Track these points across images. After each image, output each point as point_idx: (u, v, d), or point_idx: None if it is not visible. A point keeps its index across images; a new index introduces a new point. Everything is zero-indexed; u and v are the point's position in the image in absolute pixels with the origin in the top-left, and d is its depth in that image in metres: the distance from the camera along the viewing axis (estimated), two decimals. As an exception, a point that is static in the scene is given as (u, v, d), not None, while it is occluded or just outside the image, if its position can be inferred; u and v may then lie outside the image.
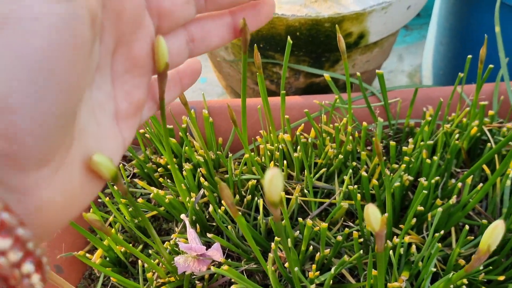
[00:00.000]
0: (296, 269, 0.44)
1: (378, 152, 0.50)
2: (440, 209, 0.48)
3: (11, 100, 0.18)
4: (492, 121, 0.64)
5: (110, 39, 0.26)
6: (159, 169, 0.68)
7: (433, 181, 0.56)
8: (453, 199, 0.50)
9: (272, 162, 0.66)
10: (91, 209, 0.60)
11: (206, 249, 0.53)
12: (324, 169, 0.63)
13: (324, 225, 0.51)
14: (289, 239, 0.54)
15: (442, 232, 0.53)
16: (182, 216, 0.57)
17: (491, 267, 0.54)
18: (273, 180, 0.28)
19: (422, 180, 0.49)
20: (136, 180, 0.67)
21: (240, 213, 0.62)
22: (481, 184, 0.50)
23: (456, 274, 0.36)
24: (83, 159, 0.24)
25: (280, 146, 0.67)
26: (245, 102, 0.52)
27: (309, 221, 0.52)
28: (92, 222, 0.41)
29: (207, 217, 0.63)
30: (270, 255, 0.45)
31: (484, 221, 0.54)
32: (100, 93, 0.26)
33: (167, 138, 0.48)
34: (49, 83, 0.19)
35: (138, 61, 0.28)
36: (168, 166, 0.67)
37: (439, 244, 0.49)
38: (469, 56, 0.58)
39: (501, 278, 0.52)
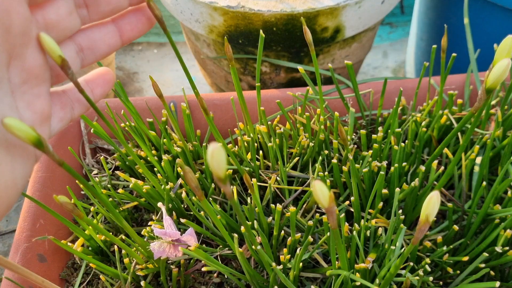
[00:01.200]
0: (258, 247, 0.46)
1: (343, 137, 0.52)
2: (397, 190, 0.50)
3: None
4: (461, 110, 0.66)
5: (3, 53, 0.27)
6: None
7: (401, 165, 0.58)
8: (416, 182, 0.52)
9: (249, 153, 0.68)
10: (72, 199, 0.62)
11: (181, 235, 0.55)
12: (297, 158, 0.65)
13: (293, 209, 0.53)
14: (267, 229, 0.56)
15: (406, 215, 0.55)
16: (159, 204, 0.59)
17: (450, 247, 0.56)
18: (215, 155, 0.29)
19: (384, 163, 0.51)
20: (118, 172, 0.69)
21: (216, 203, 0.64)
22: (442, 168, 0.53)
23: (407, 248, 0.38)
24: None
25: (257, 138, 0.69)
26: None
27: (279, 206, 0.54)
28: (64, 205, 0.43)
29: (185, 206, 0.65)
30: (235, 235, 0.47)
31: (450, 204, 0.56)
32: (3, 105, 0.27)
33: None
34: None
35: (33, 71, 0.29)
36: (149, 158, 0.69)
37: (403, 225, 0.51)
38: (434, 46, 0.60)
39: (465, 258, 0.54)
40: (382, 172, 0.51)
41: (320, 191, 0.33)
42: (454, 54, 0.58)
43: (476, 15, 0.85)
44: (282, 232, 0.58)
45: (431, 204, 0.32)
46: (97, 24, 0.34)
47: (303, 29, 0.54)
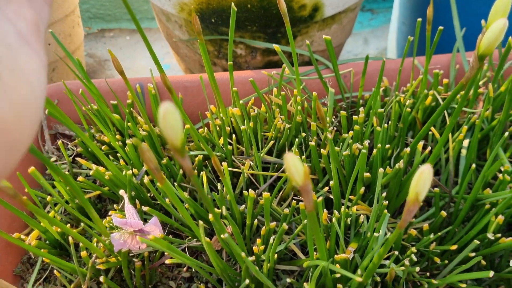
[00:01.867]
0: (226, 235, 0.41)
1: (321, 116, 0.47)
2: (381, 170, 0.46)
3: None
4: (447, 91, 0.62)
5: None
6: (103, 147, 0.65)
7: (385, 147, 0.54)
8: (400, 164, 0.48)
9: (222, 138, 0.63)
10: (26, 189, 0.56)
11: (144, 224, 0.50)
12: (273, 141, 0.60)
13: (266, 194, 0.48)
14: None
15: (389, 202, 0.50)
16: (121, 191, 0.54)
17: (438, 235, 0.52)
18: (168, 117, 0.25)
19: (366, 143, 0.47)
20: (78, 159, 0.63)
21: (186, 191, 0.59)
22: (429, 148, 0.48)
23: (392, 234, 0.34)
24: None
25: (229, 121, 0.64)
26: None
27: (252, 192, 0.49)
28: (3, 189, 0.37)
29: (152, 196, 0.60)
30: (201, 222, 0.42)
31: (436, 189, 0.52)
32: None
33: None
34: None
35: None
36: (111, 143, 0.63)
37: (386, 211, 0.47)
38: (419, 19, 0.55)
39: (454, 247, 0.50)
40: (364, 151, 0.46)
41: (294, 166, 0.28)
42: (440, 28, 0.54)
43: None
44: (256, 221, 0.53)
45: (422, 179, 0.27)
46: None
47: (277, 0, 0.49)
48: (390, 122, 0.58)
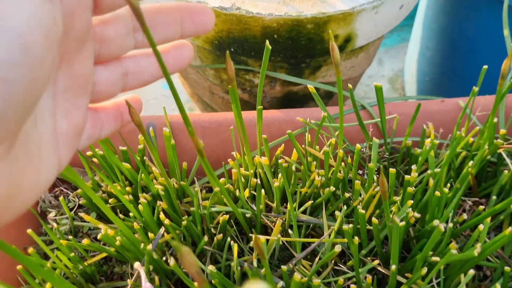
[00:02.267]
0: None
1: (383, 190, 0.39)
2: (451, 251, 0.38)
3: None
4: (503, 141, 0.55)
5: (57, 55, 0.25)
6: (110, 200, 0.56)
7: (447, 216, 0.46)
8: (478, 248, 0.40)
9: (247, 191, 0.55)
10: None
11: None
12: (310, 202, 0.52)
13: (317, 282, 0.40)
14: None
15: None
16: (136, 265, 0.46)
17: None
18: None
19: (441, 226, 0.39)
20: (83, 214, 0.55)
21: (207, 256, 0.51)
22: (510, 228, 0.41)
23: None
24: (25, 161, 0.25)
25: (257, 172, 0.56)
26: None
27: (296, 276, 0.41)
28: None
29: (169, 261, 0.52)
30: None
31: (507, 268, 0.44)
32: (42, 105, 0.27)
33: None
34: (26, 55, 0.20)
35: (79, 80, 0.29)
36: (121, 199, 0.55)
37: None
38: (485, 66, 0.48)
39: None
40: (441, 228, 0.39)
41: None
42: (485, 67, 0.47)
43: (497, 21, 0.74)
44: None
45: None
46: (145, 52, 0.34)
47: (330, 45, 0.41)
48: (442, 182, 0.51)
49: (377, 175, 0.59)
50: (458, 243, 0.54)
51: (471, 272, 0.38)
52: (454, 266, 0.46)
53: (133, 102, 0.36)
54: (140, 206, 0.50)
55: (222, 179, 0.55)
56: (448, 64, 0.92)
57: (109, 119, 0.34)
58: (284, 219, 0.54)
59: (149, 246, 0.44)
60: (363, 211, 0.46)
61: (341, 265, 0.51)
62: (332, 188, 0.49)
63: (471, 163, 0.48)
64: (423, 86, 1.03)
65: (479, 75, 0.50)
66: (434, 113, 0.62)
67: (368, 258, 0.51)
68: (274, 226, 0.53)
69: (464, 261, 0.44)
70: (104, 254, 0.53)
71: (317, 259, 0.51)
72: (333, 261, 0.51)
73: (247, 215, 0.53)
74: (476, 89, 0.49)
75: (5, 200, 0.24)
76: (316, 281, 0.39)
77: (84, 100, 0.30)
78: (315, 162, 0.55)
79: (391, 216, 0.41)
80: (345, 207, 0.54)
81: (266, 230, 0.57)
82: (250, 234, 0.54)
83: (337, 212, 0.49)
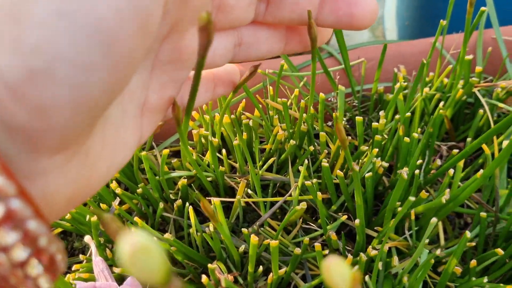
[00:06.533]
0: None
1: (342, 138, 0.36)
2: (412, 198, 0.35)
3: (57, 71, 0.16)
4: (480, 80, 0.51)
5: (168, 23, 0.23)
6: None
7: (415, 163, 0.43)
8: (446, 195, 0.37)
9: (209, 153, 0.52)
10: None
11: (119, 285, 0.39)
12: (273, 158, 0.49)
13: (275, 243, 0.37)
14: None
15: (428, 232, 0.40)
16: (87, 238, 0.43)
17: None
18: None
19: (404, 173, 0.35)
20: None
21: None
22: (481, 171, 0.37)
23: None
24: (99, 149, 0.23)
25: (215, 130, 0.53)
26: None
27: (254, 238, 0.38)
28: None
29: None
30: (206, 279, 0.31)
31: (483, 214, 0.41)
32: (135, 79, 0.25)
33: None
34: (107, 55, 0.17)
35: (184, 53, 0.26)
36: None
37: (431, 255, 0.36)
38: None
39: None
40: (404, 175, 0.35)
41: (339, 273, 0.17)
42: (483, 8, 0.42)
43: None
44: (260, 267, 0.42)
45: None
46: (268, 24, 0.30)
47: None
48: (415, 126, 0.47)
49: (349, 125, 0.56)
50: (436, 191, 0.51)
51: (434, 220, 0.35)
52: (427, 216, 0.43)
53: (231, 73, 0.32)
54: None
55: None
56: (428, 7, 0.87)
57: (200, 90, 0.30)
58: (248, 179, 0.50)
59: (94, 218, 0.41)
60: (326, 164, 0.42)
61: (311, 223, 0.48)
62: (293, 142, 0.46)
63: (442, 104, 0.44)
64: (404, 31, 0.98)
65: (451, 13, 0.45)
66: (407, 56, 0.58)
67: (339, 213, 0.48)
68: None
69: (435, 209, 0.41)
70: (59, 229, 0.50)
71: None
72: (301, 219, 0.48)
73: (209, 179, 0.50)
74: (444, 22, 0.44)
75: (77, 188, 0.22)
76: (274, 242, 0.36)
77: (185, 74, 0.27)
78: (277, 116, 0.51)
79: (355, 171, 0.37)
80: (311, 162, 0.50)
81: (233, 192, 0.53)
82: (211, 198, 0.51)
83: (300, 167, 0.45)
